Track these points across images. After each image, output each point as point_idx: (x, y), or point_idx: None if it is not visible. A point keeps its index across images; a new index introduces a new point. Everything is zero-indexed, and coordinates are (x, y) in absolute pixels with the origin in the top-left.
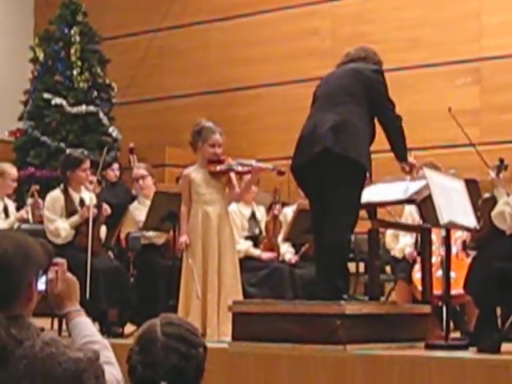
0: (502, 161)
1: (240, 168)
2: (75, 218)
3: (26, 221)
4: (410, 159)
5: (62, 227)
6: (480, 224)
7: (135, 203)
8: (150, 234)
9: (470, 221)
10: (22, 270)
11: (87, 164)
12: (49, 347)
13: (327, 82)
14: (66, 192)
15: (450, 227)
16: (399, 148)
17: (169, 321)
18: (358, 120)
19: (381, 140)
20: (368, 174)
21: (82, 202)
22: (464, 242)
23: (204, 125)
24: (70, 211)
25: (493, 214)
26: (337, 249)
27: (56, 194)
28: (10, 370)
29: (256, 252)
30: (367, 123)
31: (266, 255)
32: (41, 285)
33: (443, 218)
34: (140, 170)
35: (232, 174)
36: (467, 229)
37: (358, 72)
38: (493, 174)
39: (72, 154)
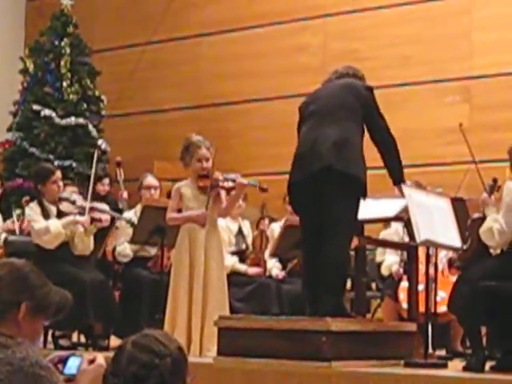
0: (495, 180)
1: (226, 184)
2: (69, 219)
3: (12, 232)
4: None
5: (51, 223)
6: (467, 243)
7: (131, 213)
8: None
9: (453, 240)
10: (10, 292)
11: (58, 175)
12: (41, 370)
13: (320, 99)
14: (41, 205)
15: (427, 245)
16: (395, 170)
17: (146, 333)
18: (356, 136)
19: (369, 156)
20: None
21: (59, 214)
22: (450, 260)
23: (192, 140)
24: None
25: (481, 230)
26: (339, 265)
27: (34, 205)
28: None
29: (242, 267)
30: (362, 140)
31: (252, 270)
32: (72, 369)
33: (420, 236)
34: (154, 180)
35: (219, 190)
36: (449, 248)
37: (353, 88)
38: (485, 194)
39: (42, 166)
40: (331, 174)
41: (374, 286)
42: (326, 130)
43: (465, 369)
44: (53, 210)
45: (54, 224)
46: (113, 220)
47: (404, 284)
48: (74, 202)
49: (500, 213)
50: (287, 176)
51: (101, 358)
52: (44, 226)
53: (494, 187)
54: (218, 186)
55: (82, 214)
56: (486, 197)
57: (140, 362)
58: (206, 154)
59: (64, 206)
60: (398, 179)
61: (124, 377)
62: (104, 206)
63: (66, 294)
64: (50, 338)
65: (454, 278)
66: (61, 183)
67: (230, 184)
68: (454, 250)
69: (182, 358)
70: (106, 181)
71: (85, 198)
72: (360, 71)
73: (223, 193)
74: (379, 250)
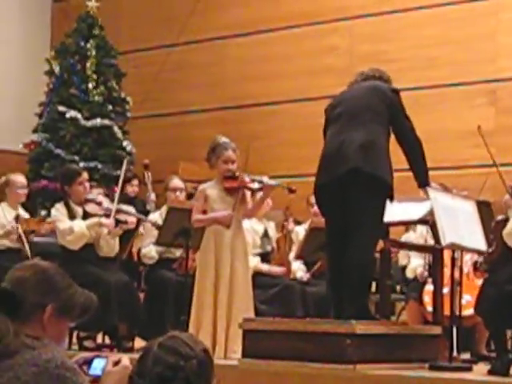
0: None
1: (253, 185)
2: (94, 220)
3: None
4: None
5: (76, 224)
6: (493, 246)
7: (157, 215)
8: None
9: (478, 243)
10: (36, 294)
11: (84, 177)
12: (66, 371)
13: (347, 101)
14: (67, 206)
15: (452, 248)
16: (420, 173)
17: (172, 334)
18: (383, 139)
19: (393, 158)
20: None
21: (85, 215)
22: (475, 263)
23: (218, 141)
24: None
25: (504, 232)
26: (363, 268)
27: (60, 206)
28: (16, 371)
29: (265, 267)
30: (388, 142)
31: (276, 269)
32: (96, 370)
33: (445, 239)
34: (179, 182)
35: (245, 191)
36: (474, 251)
37: (379, 90)
38: (507, 196)
39: (68, 167)
40: (358, 177)
41: (398, 288)
42: (353, 132)
43: (490, 372)
44: (79, 211)
45: (79, 225)
46: (138, 222)
47: (429, 287)
48: (99, 204)
49: None
50: (312, 178)
51: (126, 360)
52: (68, 226)
53: None
54: (244, 188)
55: (107, 215)
56: (509, 198)
57: (166, 363)
58: (232, 156)
59: (90, 208)
60: (423, 182)
61: (149, 378)
62: (130, 208)
63: (91, 295)
64: (74, 339)
65: (479, 282)
66: (87, 184)
67: (257, 185)
68: (480, 253)
69: (207, 360)
70: (135, 182)
71: (111, 200)
72: (386, 73)
73: (248, 194)
74: (402, 253)
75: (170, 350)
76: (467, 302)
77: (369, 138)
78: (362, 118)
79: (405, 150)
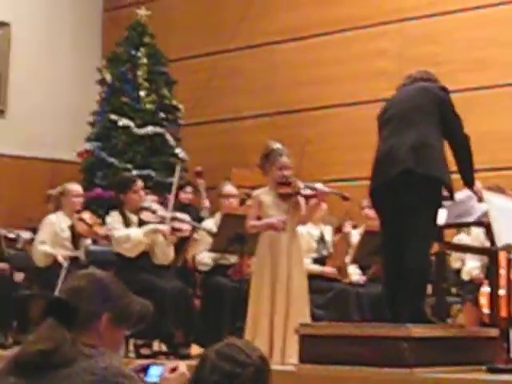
0: None
1: (307, 191)
2: (150, 227)
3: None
4: (478, 184)
5: (132, 231)
6: None
7: (211, 222)
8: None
9: None
10: (92, 303)
11: (139, 185)
12: (124, 379)
13: (396, 104)
14: (122, 214)
15: (508, 250)
16: (466, 173)
17: (229, 342)
18: (434, 139)
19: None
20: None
21: (140, 222)
22: None
23: (272, 147)
24: None
25: None
26: (419, 271)
27: (115, 214)
28: (74, 379)
29: (317, 268)
30: (441, 141)
31: (328, 270)
32: (153, 377)
33: (501, 241)
34: (233, 188)
35: (299, 197)
36: None
37: (428, 90)
38: None
39: (123, 175)
40: (410, 178)
41: (453, 291)
42: (403, 134)
43: None
44: (134, 219)
45: (135, 232)
46: (193, 229)
47: (485, 289)
48: (154, 212)
49: None
50: (364, 182)
51: (183, 366)
52: (125, 233)
53: None
54: (298, 194)
55: (162, 223)
56: None
57: (223, 371)
58: (286, 163)
59: (145, 216)
60: (468, 181)
61: None
62: (185, 216)
63: (147, 303)
64: (131, 347)
65: None
66: (142, 192)
67: (311, 192)
68: None
69: (264, 367)
70: (189, 189)
71: (165, 208)
72: (434, 75)
73: (302, 200)
74: (454, 256)
75: (227, 357)
76: None
77: (420, 139)
78: (413, 119)
79: (453, 149)
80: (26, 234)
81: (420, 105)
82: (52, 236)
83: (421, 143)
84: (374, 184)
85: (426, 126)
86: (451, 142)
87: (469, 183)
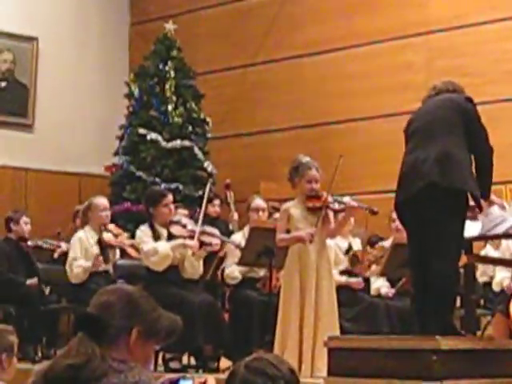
0: None
1: (336, 206)
2: (178, 242)
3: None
4: (494, 198)
5: (160, 245)
6: None
7: (240, 235)
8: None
9: None
10: (121, 318)
11: (169, 199)
12: None
13: (421, 116)
14: (152, 228)
15: None
16: (483, 185)
17: (258, 356)
18: (459, 150)
19: None
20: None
21: (170, 236)
22: None
23: (301, 161)
24: None
25: None
26: (448, 283)
27: (145, 228)
28: None
29: (343, 278)
30: (467, 153)
31: (353, 280)
32: None
33: None
34: (262, 202)
35: (328, 211)
36: None
37: (453, 102)
38: None
39: (153, 189)
40: (435, 191)
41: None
42: (428, 147)
43: None
44: (164, 233)
45: (163, 246)
46: (222, 243)
47: None
48: (184, 226)
49: None
50: (392, 194)
51: (212, 380)
52: (153, 247)
53: None
54: (327, 208)
55: (192, 237)
56: None
57: None
58: (315, 176)
59: (175, 230)
60: (483, 193)
61: None
62: (214, 230)
63: (176, 318)
64: (160, 360)
65: None
66: (172, 206)
67: (341, 206)
68: None
69: (294, 379)
70: (217, 202)
71: (195, 222)
72: (459, 85)
73: (331, 214)
74: (480, 269)
75: (257, 371)
76: None
77: (444, 151)
78: (437, 131)
79: (475, 160)
80: (64, 245)
81: (445, 116)
82: (83, 252)
83: (445, 155)
84: (399, 197)
85: (451, 138)
86: (475, 154)
87: (483, 195)
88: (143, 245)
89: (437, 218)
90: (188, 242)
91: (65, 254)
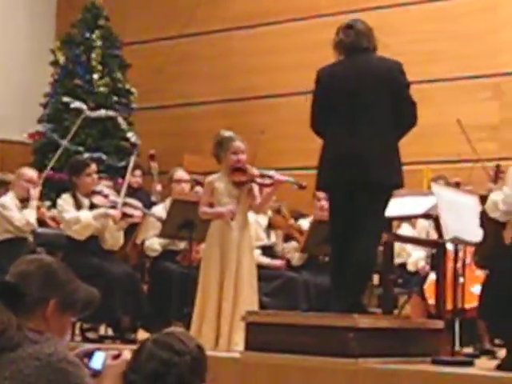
0: (497, 166)
1: (262, 180)
2: (100, 211)
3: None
4: None
5: (82, 214)
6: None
7: (161, 207)
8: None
9: (478, 236)
10: (39, 289)
11: (92, 168)
12: (68, 365)
13: (351, 95)
14: (74, 197)
15: (455, 242)
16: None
17: (166, 331)
18: (392, 134)
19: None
20: None
21: (92, 206)
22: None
23: (223, 135)
24: None
25: (486, 205)
26: (368, 266)
27: (67, 197)
28: (19, 364)
29: (265, 260)
30: (395, 133)
31: (275, 263)
32: (97, 363)
33: (448, 234)
34: (184, 174)
35: (254, 185)
36: (475, 244)
37: (386, 80)
38: (490, 184)
39: (77, 158)
40: (372, 186)
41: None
42: (365, 136)
43: (498, 368)
44: (86, 202)
45: (85, 215)
46: (144, 216)
47: (431, 280)
48: (106, 196)
49: (504, 188)
50: (313, 171)
51: (127, 353)
52: (74, 216)
53: (498, 173)
54: (253, 182)
55: (114, 208)
56: (492, 185)
57: (159, 359)
58: (240, 146)
59: (97, 200)
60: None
61: (143, 373)
62: (136, 203)
63: (94, 290)
64: (77, 330)
65: (480, 273)
66: (95, 176)
67: (267, 180)
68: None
69: (201, 355)
70: (138, 173)
71: (118, 192)
72: (368, 32)
73: (256, 188)
74: (397, 249)
75: (164, 345)
76: (470, 294)
77: (381, 141)
78: (371, 116)
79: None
80: None
81: (378, 100)
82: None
83: (381, 146)
84: (329, 179)
85: (385, 123)
86: (399, 117)
87: None
88: (65, 213)
89: (367, 206)
90: (110, 211)
91: None
